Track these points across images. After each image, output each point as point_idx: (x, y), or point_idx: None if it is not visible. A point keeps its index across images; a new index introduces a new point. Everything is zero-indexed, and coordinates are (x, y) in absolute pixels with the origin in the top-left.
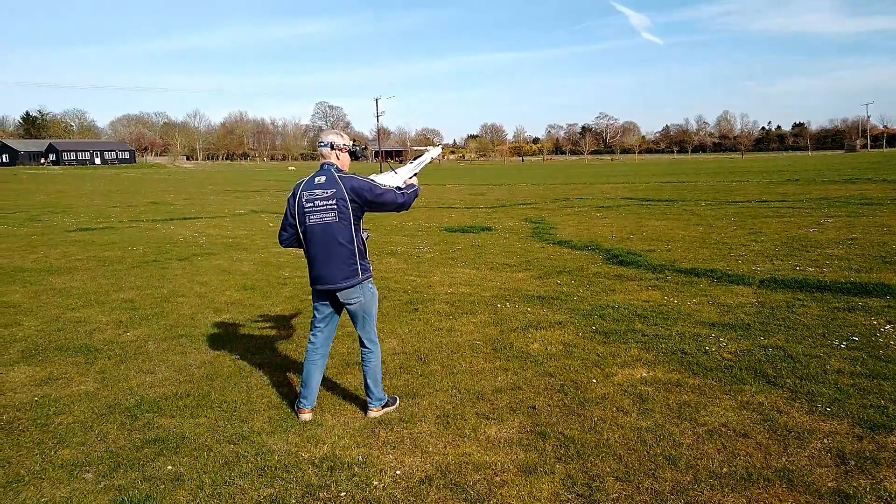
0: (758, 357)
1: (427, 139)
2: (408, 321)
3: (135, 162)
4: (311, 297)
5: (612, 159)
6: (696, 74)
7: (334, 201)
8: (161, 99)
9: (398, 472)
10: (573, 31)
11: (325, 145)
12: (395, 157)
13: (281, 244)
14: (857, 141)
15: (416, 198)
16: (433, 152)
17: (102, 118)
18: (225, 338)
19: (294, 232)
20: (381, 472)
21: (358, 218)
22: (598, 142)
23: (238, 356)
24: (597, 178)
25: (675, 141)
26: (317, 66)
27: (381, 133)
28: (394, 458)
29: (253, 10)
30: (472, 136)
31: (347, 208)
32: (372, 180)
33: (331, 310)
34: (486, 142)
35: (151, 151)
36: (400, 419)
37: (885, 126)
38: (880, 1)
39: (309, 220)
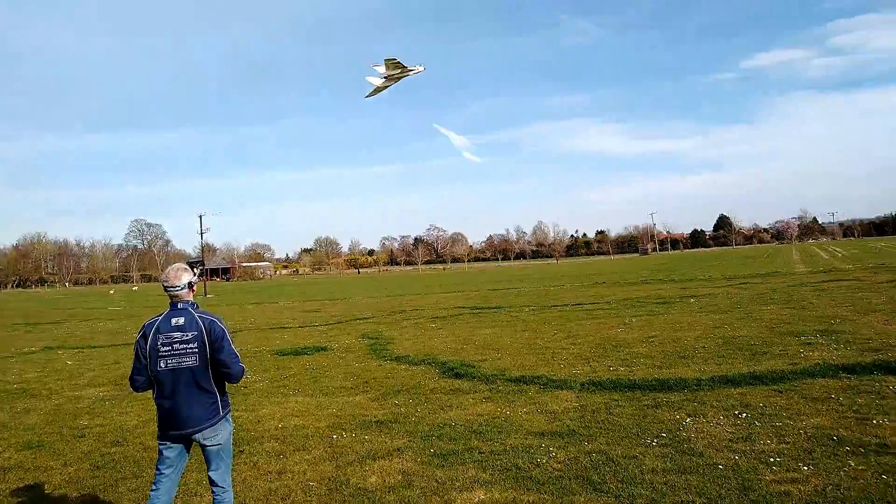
0: (583, 464)
1: (257, 254)
2: (233, 467)
3: None
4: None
5: (444, 268)
6: (512, 189)
7: (195, 344)
8: None
9: None
10: (401, 151)
11: (182, 288)
12: (221, 274)
13: (136, 390)
14: (648, 245)
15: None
16: None
17: None
18: None
19: (148, 376)
20: None
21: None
22: (430, 252)
23: None
24: (431, 288)
25: (499, 249)
26: (132, 179)
27: (207, 250)
28: None
29: (65, 121)
30: (306, 250)
31: (206, 352)
32: (228, 336)
33: (181, 454)
34: (321, 255)
35: None
36: None
37: (667, 232)
38: (659, 127)
39: (167, 363)
